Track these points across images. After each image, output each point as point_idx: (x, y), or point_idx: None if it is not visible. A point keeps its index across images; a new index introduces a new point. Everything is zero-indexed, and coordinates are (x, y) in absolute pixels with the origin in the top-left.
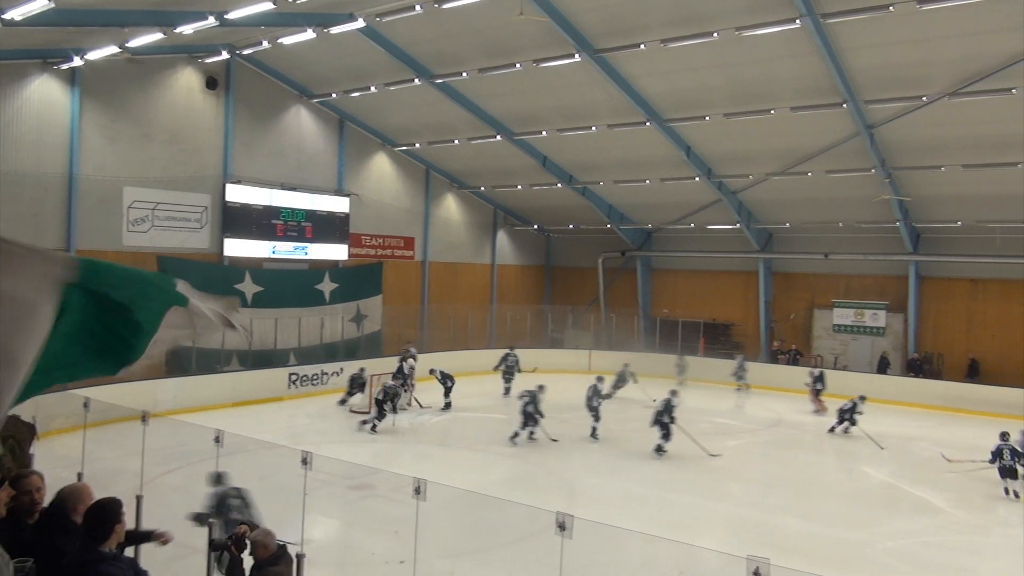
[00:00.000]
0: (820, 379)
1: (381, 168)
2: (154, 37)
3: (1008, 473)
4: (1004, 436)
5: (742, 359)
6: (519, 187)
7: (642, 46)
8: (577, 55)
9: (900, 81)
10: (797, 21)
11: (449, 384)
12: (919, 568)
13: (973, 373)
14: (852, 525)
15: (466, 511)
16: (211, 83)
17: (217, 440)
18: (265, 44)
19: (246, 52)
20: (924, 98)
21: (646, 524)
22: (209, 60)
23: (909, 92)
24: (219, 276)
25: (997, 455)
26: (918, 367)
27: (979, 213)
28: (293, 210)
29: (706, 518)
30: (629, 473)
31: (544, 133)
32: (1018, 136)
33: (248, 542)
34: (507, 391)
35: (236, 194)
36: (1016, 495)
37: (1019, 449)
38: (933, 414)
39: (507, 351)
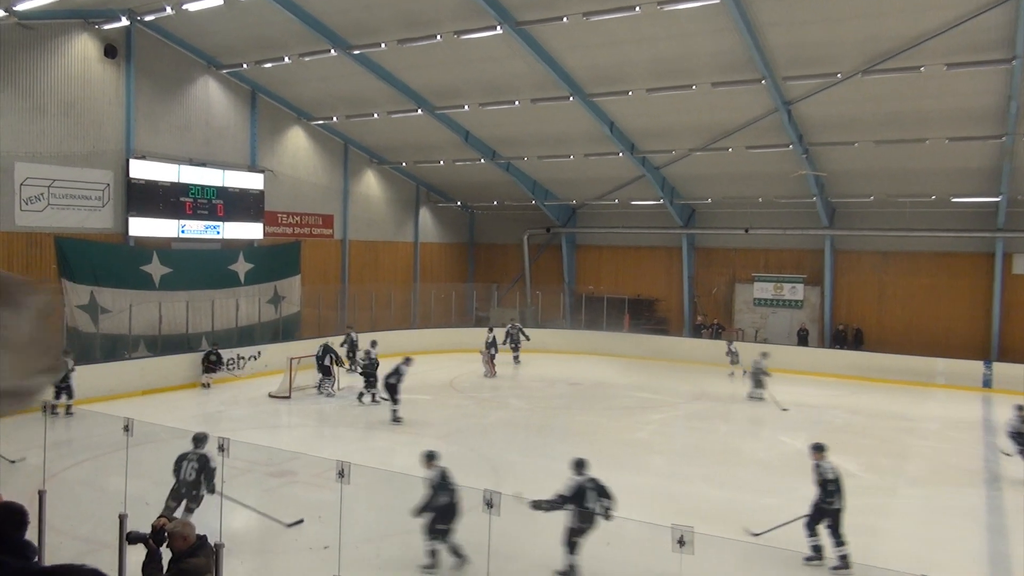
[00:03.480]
0: (494, 344)
1: (296, 143)
2: (45, 0)
3: None
4: None
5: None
6: (441, 163)
7: (564, 19)
8: (499, 27)
9: (815, 59)
10: None
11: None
12: None
13: (858, 342)
14: (770, 492)
15: (391, 493)
16: (110, 51)
17: (127, 429)
18: (168, 10)
19: (148, 18)
20: (838, 75)
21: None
22: (107, 27)
23: (824, 69)
24: (124, 257)
25: None
26: (842, 338)
27: (889, 188)
28: (203, 187)
29: (631, 491)
30: (552, 450)
31: (466, 107)
32: (926, 113)
33: (166, 534)
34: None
35: (140, 170)
36: None
37: None
38: (848, 383)
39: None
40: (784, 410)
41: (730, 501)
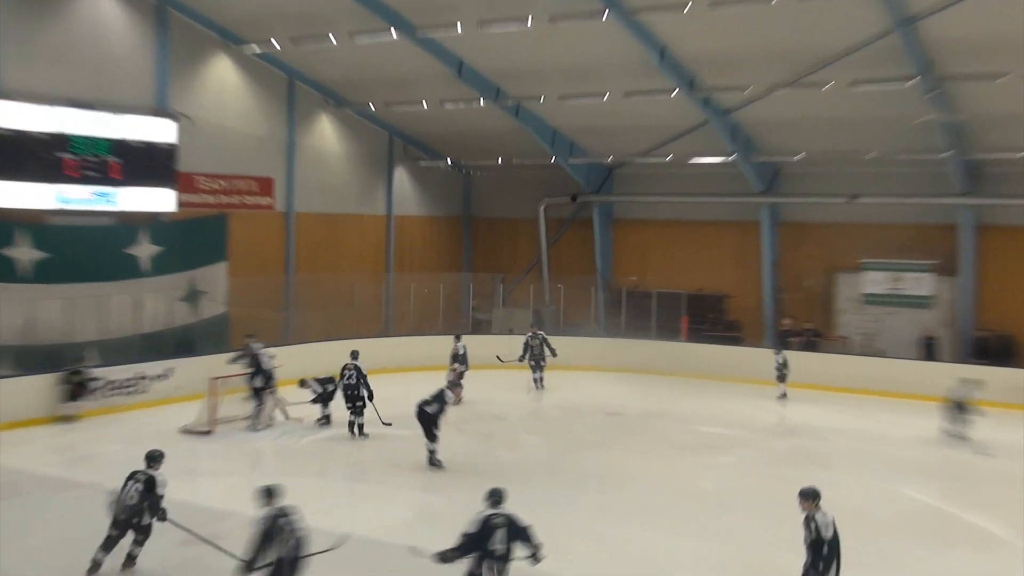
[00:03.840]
0: (463, 358)
1: (223, 78)
2: None
3: None
4: None
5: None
6: (425, 105)
7: None
8: None
9: None
10: None
11: (330, 388)
12: None
13: (1007, 354)
14: (882, 562)
15: (356, 565)
16: None
17: None
18: None
19: None
20: None
21: (606, 573)
22: None
23: None
24: None
25: None
26: (985, 349)
27: None
28: (91, 139)
29: (690, 560)
30: (576, 504)
31: (459, 28)
32: None
33: None
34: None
35: (2, 115)
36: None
37: None
38: (992, 412)
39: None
40: (988, 456)
41: None
